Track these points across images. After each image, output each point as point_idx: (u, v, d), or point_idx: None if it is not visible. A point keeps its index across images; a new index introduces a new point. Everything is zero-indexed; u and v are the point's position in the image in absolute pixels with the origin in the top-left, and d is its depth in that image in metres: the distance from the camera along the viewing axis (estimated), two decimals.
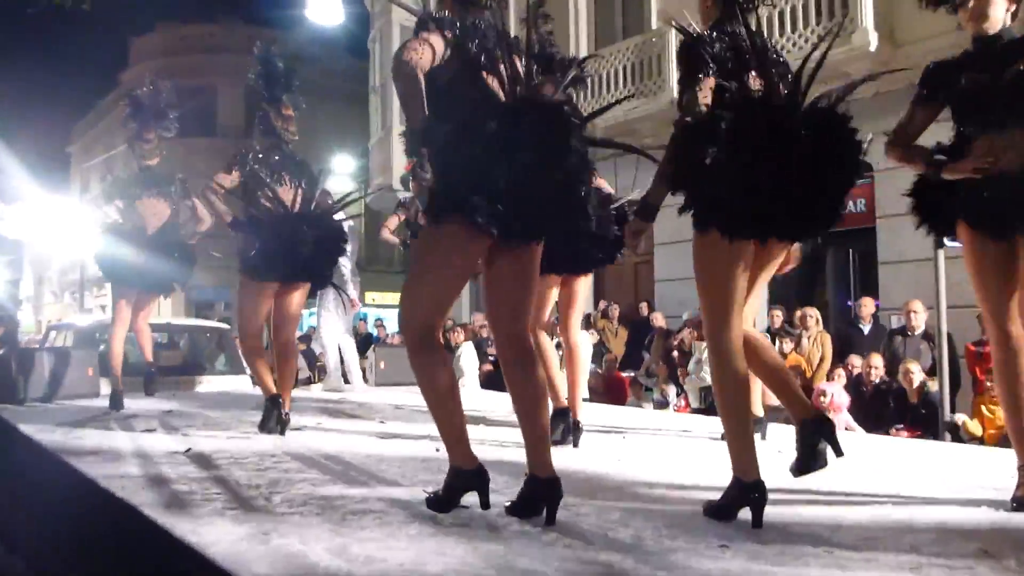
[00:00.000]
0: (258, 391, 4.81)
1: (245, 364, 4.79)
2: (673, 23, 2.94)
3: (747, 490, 2.44)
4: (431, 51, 2.36)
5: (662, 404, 7.97)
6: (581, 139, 2.42)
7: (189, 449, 3.64)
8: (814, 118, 2.44)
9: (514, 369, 2.55)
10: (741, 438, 2.51)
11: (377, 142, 15.38)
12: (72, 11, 11.42)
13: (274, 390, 4.26)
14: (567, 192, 2.43)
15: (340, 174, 21.90)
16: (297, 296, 4.45)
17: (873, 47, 8.60)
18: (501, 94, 2.49)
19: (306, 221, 4.22)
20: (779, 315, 8.08)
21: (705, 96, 2.53)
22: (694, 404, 7.80)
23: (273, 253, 4.13)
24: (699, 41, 2.60)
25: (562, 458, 2.80)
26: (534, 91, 2.54)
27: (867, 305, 7.72)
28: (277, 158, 4.37)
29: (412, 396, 6.22)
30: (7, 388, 5.53)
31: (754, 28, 2.68)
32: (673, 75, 10.46)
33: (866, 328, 7.56)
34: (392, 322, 16.39)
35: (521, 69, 2.58)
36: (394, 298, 24.29)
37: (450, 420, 2.48)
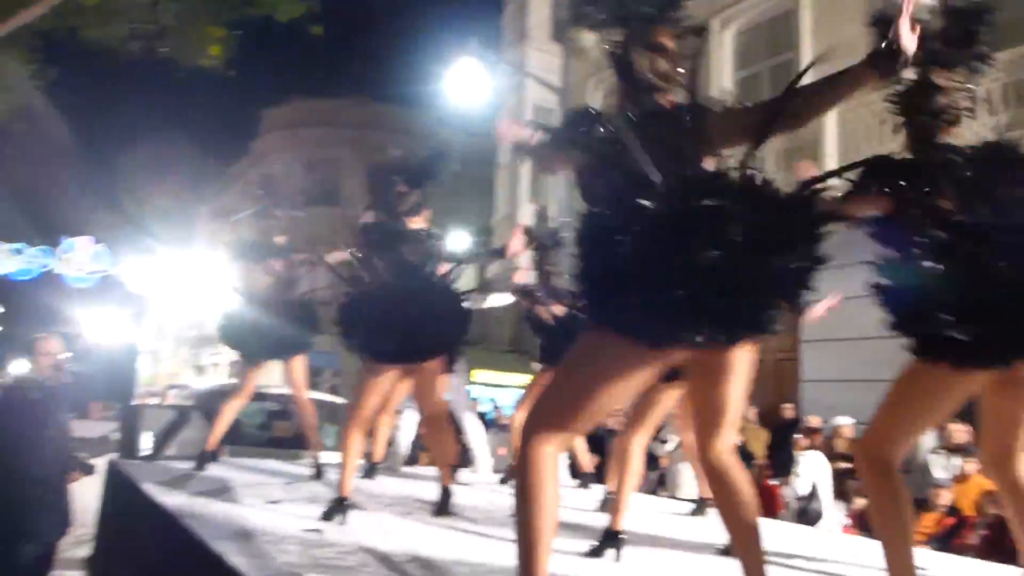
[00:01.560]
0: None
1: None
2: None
3: None
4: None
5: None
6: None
7: (319, 531, 3.35)
8: None
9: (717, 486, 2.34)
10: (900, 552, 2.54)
11: (502, 218, 15.20)
12: (213, 77, 11.77)
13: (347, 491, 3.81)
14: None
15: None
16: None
17: None
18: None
19: (419, 295, 3.87)
20: (963, 431, 7.09)
21: None
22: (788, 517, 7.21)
23: (380, 331, 3.80)
24: None
25: None
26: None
27: None
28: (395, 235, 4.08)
29: None
30: (129, 443, 5.60)
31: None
32: (833, 159, 9.85)
33: None
34: (506, 403, 15.94)
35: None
36: (506, 378, 23.83)
37: None
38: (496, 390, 22.73)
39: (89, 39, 10.42)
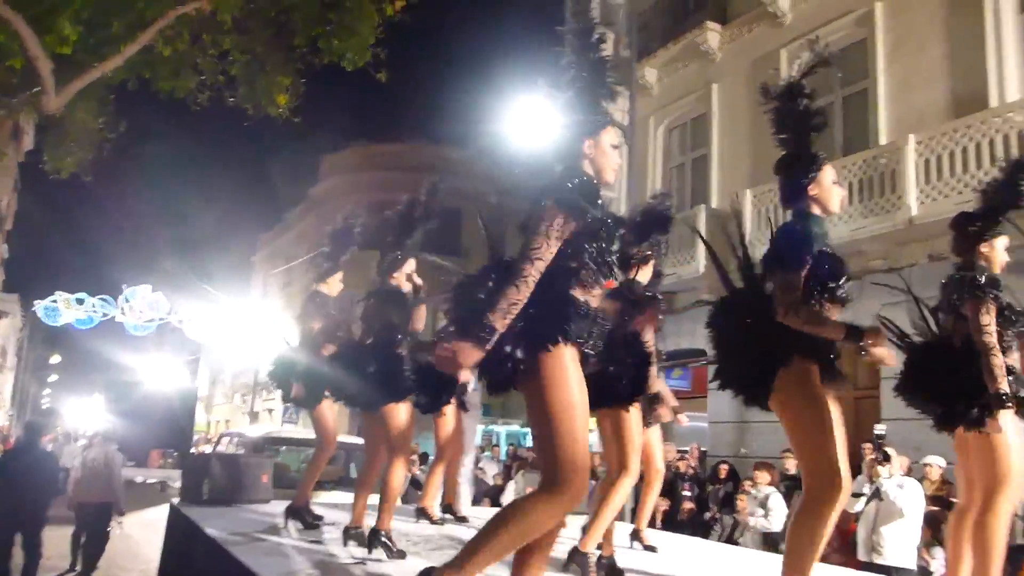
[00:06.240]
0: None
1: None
2: None
3: None
4: None
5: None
6: None
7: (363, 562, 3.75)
8: None
9: None
10: None
11: None
12: (274, 126, 11.86)
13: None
14: None
15: None
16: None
17: None
18: None
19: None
20: None
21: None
22: (749, 545, 7.18)
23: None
24: None
25: None
26: None
27: None
28: None
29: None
30: (191, 489, 5.78)
31: None
32: (911, 191, 9.48)
33: None
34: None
35: None
36: None
37: None
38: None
39: (159, 92, 10.55)
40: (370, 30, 10.72)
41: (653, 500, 5.04)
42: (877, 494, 6.71)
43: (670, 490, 9.97)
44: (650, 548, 4.94)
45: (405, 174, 25.52)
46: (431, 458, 6.26)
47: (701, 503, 9.59)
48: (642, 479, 4.86)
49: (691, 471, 10.26)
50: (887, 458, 6.71)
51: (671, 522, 9.15)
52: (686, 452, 11.00)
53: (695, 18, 13.51)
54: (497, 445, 14.35)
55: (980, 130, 9.05)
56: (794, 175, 3.20)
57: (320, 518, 4.97)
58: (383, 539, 4.04)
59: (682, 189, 14.12)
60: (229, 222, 39.02)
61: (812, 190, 3.17)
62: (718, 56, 13.28)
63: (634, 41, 12.82)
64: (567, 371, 2.49)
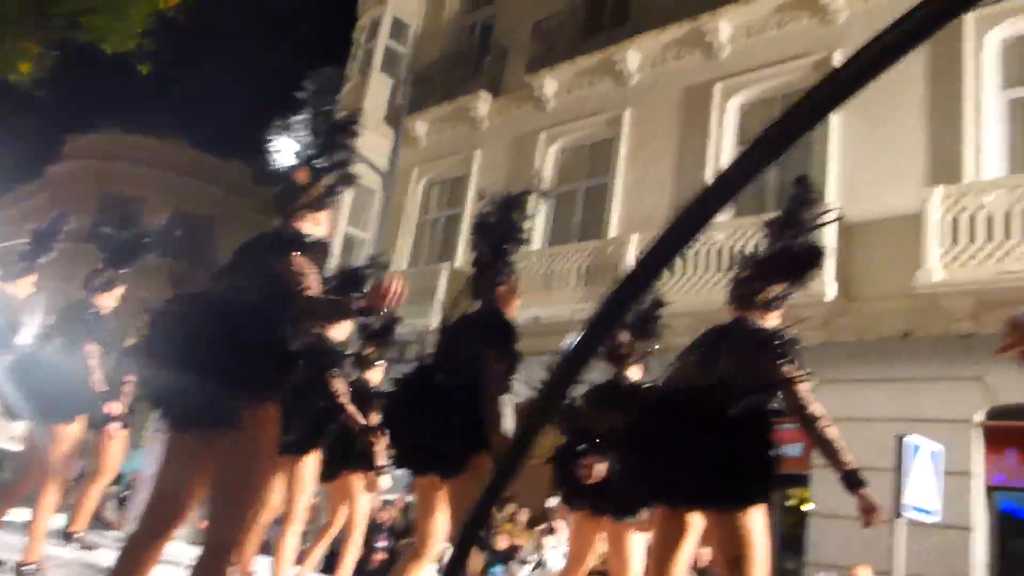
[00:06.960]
0: None
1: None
2: None
3: None
4: None
5: None
6: None
7: None
8: None
9: None
10: None
11: None
12: (23, 92, 10.98)
13: None
14: None
15: None
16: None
17: (829, 297, 8.72)
18: None
19: None
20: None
21: None
22: None
23: None
24: None
25: None
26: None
27: None
28: None
29: None
30: None
31: None
32: None
33: None
34: None
35: None
36: None
37: None
38: None
39: None
40: (140, 17, 10.27)
41: (353, 553, 5.03)
42: (540, 563, 7.21)
43: (364, 540, 9.99)
44: None
45: (157, 172, 24.07)
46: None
47: (395, 554, 9.67)
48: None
49: (389, 521, 10.34)
50: (552, 531, 7.26)
51: (360, 572, 9.16)
52: (391, 503, 11.04)
53: (471, 84, 14.12)
54: None
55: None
56: (491, 275, 3.48)
57: None
58: (31, 571, 3.80)
59: (432, 243, 14.52)
60: None
61: (505, 293, 3.47)
62: (485, 124, 13.93)
63: (408, 93, 13.16)
64: (278, 428, 2.42)
